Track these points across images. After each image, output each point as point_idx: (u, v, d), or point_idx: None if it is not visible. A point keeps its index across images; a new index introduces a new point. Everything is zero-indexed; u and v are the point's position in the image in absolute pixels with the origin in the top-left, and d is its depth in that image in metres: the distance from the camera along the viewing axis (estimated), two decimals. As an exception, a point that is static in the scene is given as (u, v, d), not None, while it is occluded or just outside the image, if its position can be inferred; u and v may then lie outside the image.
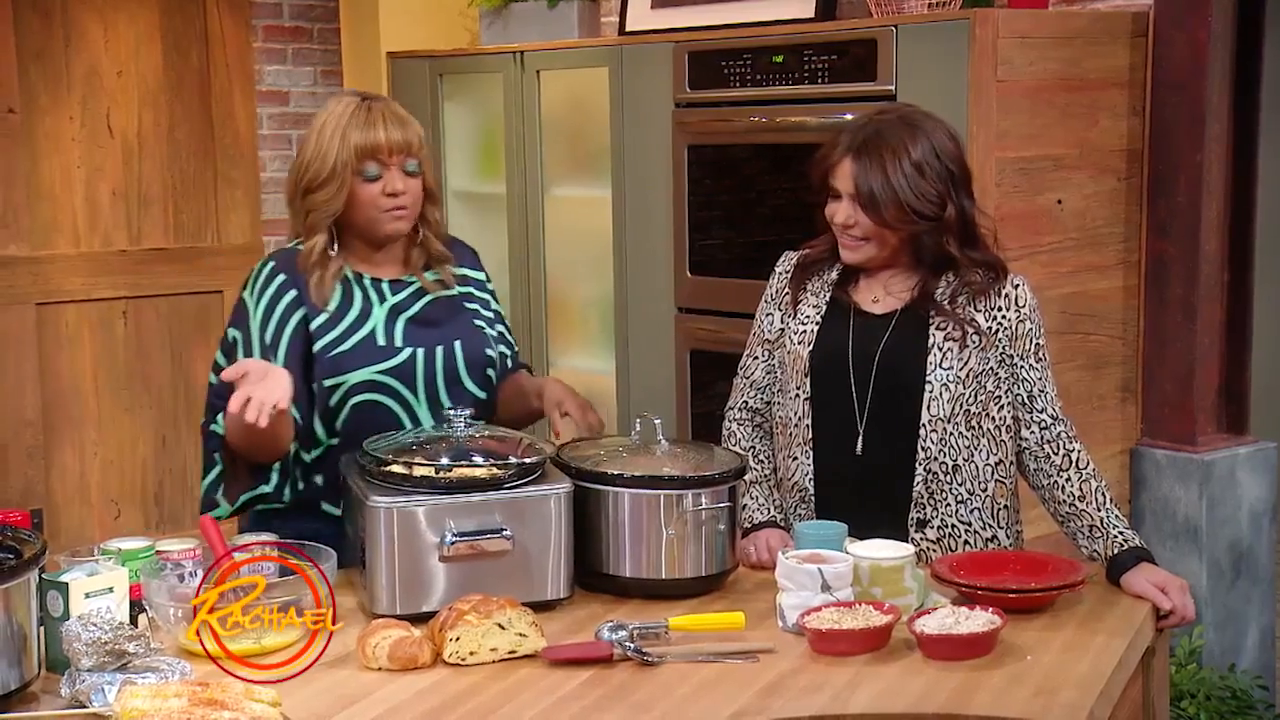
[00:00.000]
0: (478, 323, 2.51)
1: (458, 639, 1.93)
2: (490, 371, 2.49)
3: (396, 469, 2.14)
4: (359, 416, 2.37)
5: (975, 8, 3.12)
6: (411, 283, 2.48)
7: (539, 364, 4.14)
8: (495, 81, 4.14)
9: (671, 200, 3.67)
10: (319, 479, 2.41)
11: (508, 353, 2.57)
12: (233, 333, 2.43)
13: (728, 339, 3.45)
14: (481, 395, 2.48)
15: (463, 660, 1.93)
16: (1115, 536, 2.23)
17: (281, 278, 2.41)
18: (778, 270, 2.47)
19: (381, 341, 2.40)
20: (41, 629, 1.86)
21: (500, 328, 2.57)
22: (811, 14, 3.52)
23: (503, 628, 1.94)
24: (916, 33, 3.15)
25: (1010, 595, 2.08)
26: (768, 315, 2.45)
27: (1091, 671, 1.90)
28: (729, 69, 3.51)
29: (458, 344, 2.45)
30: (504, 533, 2.10)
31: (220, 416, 2.33)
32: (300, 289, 2.40)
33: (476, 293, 2.56)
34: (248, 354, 2.37)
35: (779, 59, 3.41)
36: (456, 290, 2.51)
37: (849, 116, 3.17)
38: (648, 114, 3.71)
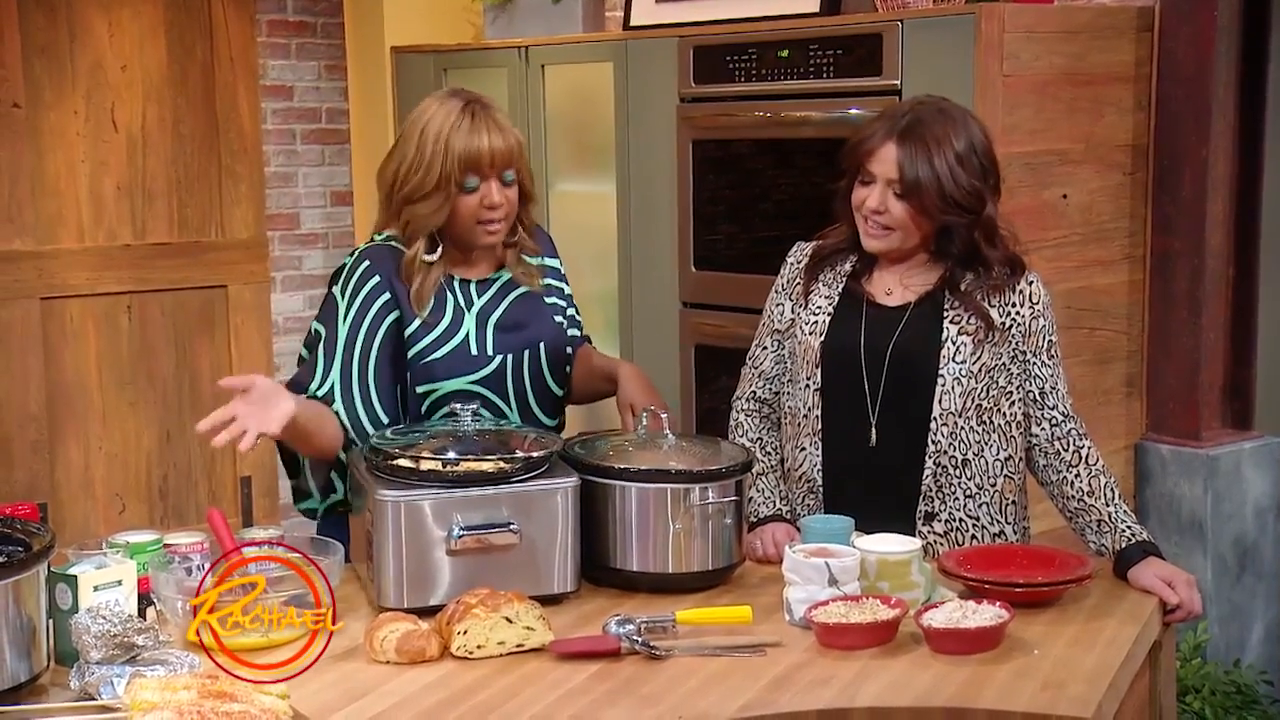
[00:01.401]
0: (558, 319, 2.51)
1: (465, 632, 1.93)
2: (567, 367, 2.50)
3: (404, 463, 2.14)
4: (449, 423, 2.29)
5: (981, 2, 3.12)
6: (497, 279, 2.45)
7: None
8: (499, 76, 4.14)
9: (676, 195, 3.67)
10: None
11: (578, 334, 2.56)
12: (317, 327, 2.40)
13: (732, 334, 3.45)
14: (560, 392, 2.50)
15: (470, 654, 1.93)
16: (1123, 531, 2.23)
17: (376, 278, 2.36)
18: (790, 260, 2.46)
19: (474, 351, 2.39)
20: (50, 622, 1.86)
21: (571, 310, 2.57)
22: (816, 8, 3.52)
23: (510, 621, 1.95)
24: (922, 27, 3.15)
25: (1017, 590, 2.08)
26: (778, 305, 2.45)
27: (1099, 665, 1.90)
28: (734, 64, 3.51)
29: (542, 345, 2.45)
30: (511, 527, 2.10)
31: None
32: (395, 292, 2.36)
33: (554, 283, 2.54)
34: (330, 351, 2.34)
35: (784, 54, 3.40)
36: (539, 284, 2.49)
37: (855, 111, 3.18)
38: (652, 109, 3.71)
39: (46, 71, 4.44)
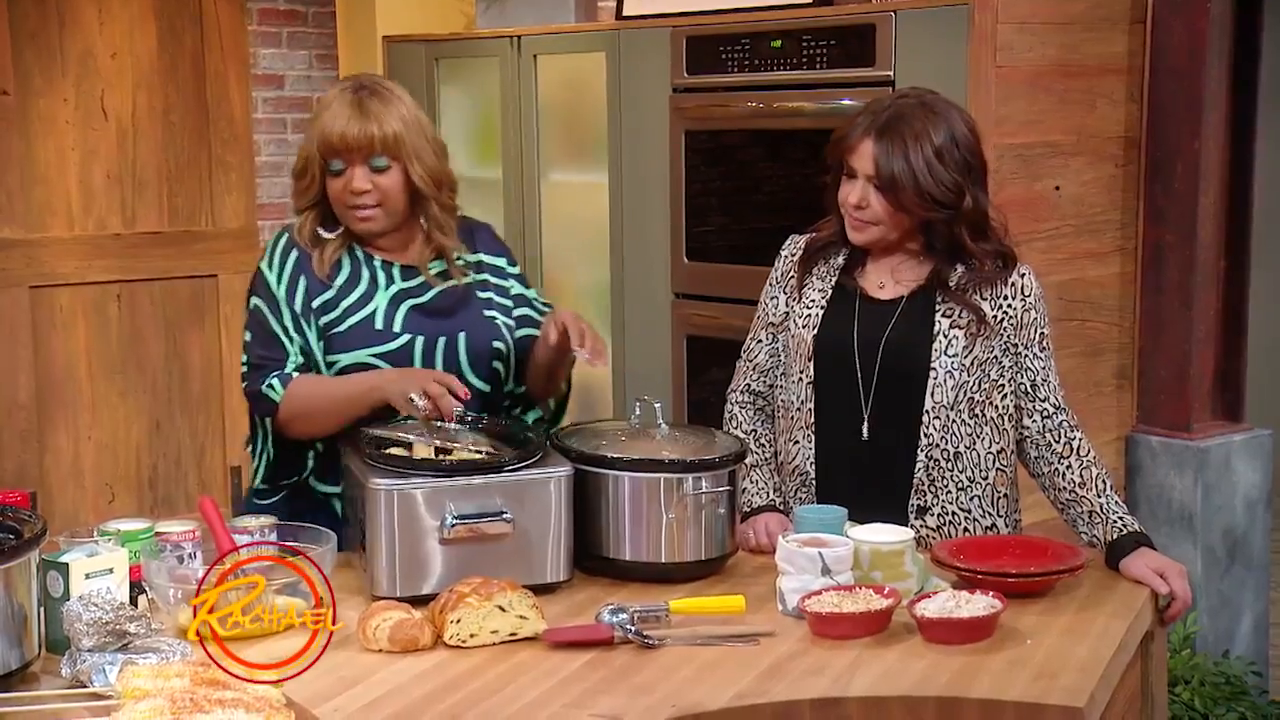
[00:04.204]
0: (489, 313, 2.45)
1: (458, 621, 1.93)
2: (498, 364, 2.43)
3: (397, 451, 2.14)
4: None
5: (974, -7, 3.12)
6: (431, 268, 2.44)
7: (535, 349, 4.14)
8: (492, 66, 4.14)
9: (668, 186, 3.67)
10: (310, 456, 2.39)
11: (533, 332, 2.47)
12: (255, 300, 2.39)
13: (724, 325, 3.45)
14: (486, 389, 2.42)
15: (463, 642, 1.93)
16: (1114, 522, 2.23)
17: (296, 253, 2.40)
18: (783, 253, 2.46)
19: (379, 325, 2.37)
20: (42, 610, 1.85)
21: (524, 310, 2.50)
22: (809, -1, 3.52)
23: (503, 610, 1.94)
24: (915, 18, 3.15)
25: (1010, 579, 2.08)
26: (772, 298, 2.45)
27: (1091, 656, 1.90)
28: (727, 54, 3.50)
29: (462, 336, 2.40)
30: (504, 516, 2.09)
31: (276, 379, 2.31)
32: (306, 264, 2.39)
33: (493, 279, 2.49)
34: (279, 322, 2.35)
35: (777, 44, 3.40)
36: (471, 278, 2.46)
37: (847, 102, 3.18)
38: (645, 99, 3.70)
39: (36, 59, 4.42)
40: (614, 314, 3.88)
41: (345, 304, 2.38)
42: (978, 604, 1.98)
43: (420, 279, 2.42)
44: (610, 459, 2.18)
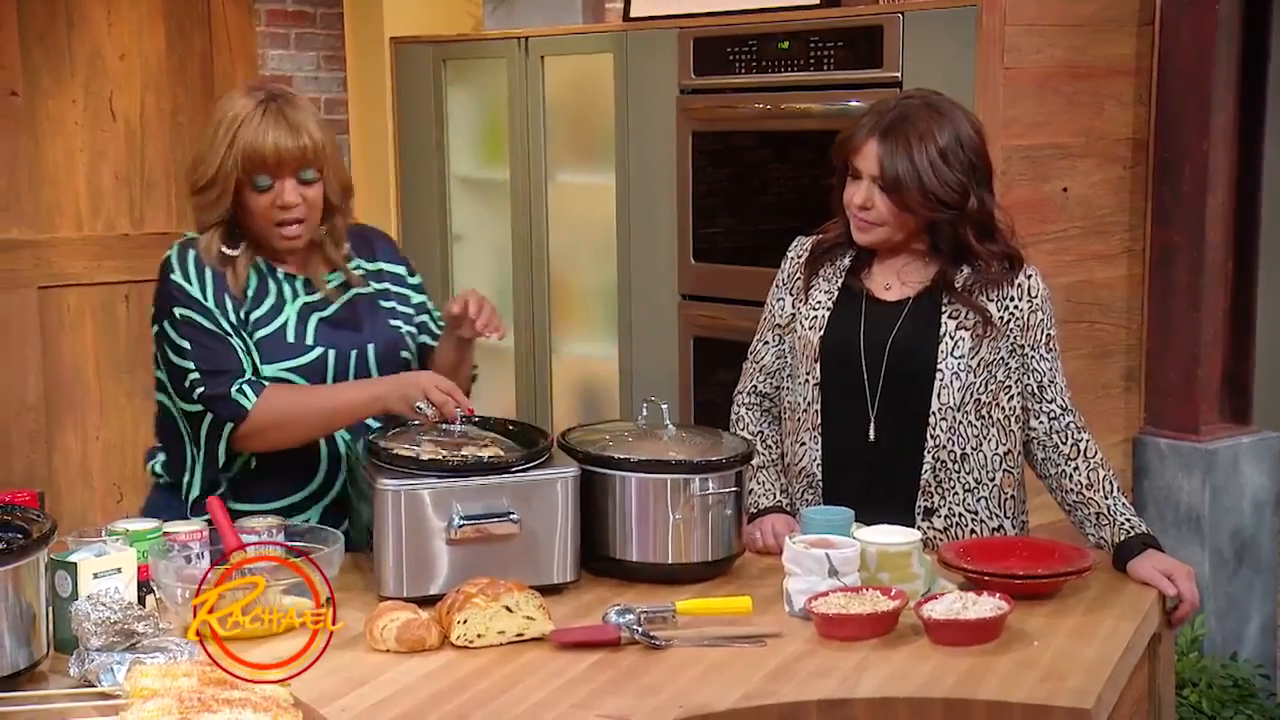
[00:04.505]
0: (394, 322, 2.42)
1: (465, 621, 1.93)
2: (410, 355, 2.41)
3: (405, 452, 2.14)
4: None
5: (982, -5, 3.12)
6: (330, 281, 2.38)
7: (541, 350, 4.14)
8: (499, 67, 4.14)
9: (675, 187, 3.67)
10: (224, 475, 2.32)
11: (431, 343, 2.46)
12: (180, 311, 2.28)
13: (731, 326, 3.45)
14: None
15: (470, 643, 1.93)
16: (1122, 524, 2.23)
17: (207, 268, 2.30)
18: (790, 255, 2.46)
19: (291, 338, 2.31)
20: (50, 609, 1.86)
21: (424, 318, 2.48)
22: (817, 0, 3.51)
23: (510, 610, 1.94)
24: (923, 19, 3.15)
25: (1017, 581, 2.08)
26: (779, 300, 2.45)
27: (1099, 657, 1.90)
28: (734, 55, 3.50)
29: (372, 348, 2.36)
30: (511, 516, 2.10)
31: (246, 385, 2.24)
32: (220, 278, 2.30)
33: (394, 288, 2.45)
34: (219, 327, 2.26)
35: (784, 45, 3.40)
36: (372, 287, 2.41)
37: (855, 104, 3.18)
38: (652, 100, 3.70)
39: (45, 59, 4.43)
40: (620, 315, 3.88)
41: (255, 317, 2.31)
42: (984, 605, 1.97)
43: (321, 293, 2.36)
44: (617, 460, 2.18)
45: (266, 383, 2.28)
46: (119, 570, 1.92)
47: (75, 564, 1.88)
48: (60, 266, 4.51)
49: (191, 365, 2.27)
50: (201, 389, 2.26)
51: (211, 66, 4.70)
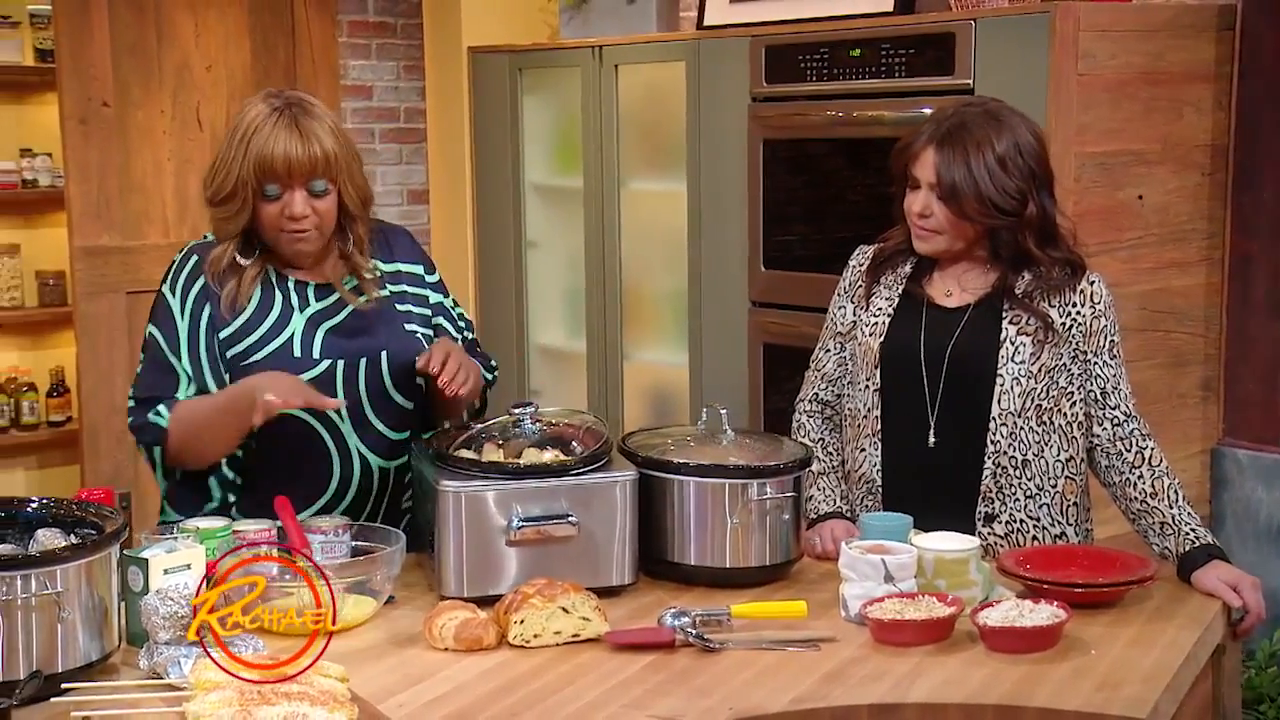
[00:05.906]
0: (410, 327, 2.36)
1: (522, 621, 1.96)
2: (421, 379, 2.33)
3: (466, 454, 2.18)
4: (275, 429, 2.21)
5: (1056, 1, 3.09)
6: (342, 284, 2.34)
7: (613, 357, 4.17)
8: (573, 76, 4.18)
9: (746, 194, 3.67)
10: (232, 496, 2.31)
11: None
12: (151, 329, 2.29)
13: (801, 333, 3.45)
14: (409, 406, 2.35)
15: (527, 642, 1.96)
16: (1187, 534, 2.20)
17: (201, 281, 2.28)
18: (851, 263, 2.47)
19: (298, 353, 2.27)
20: (122, 603, 1.92)
21: (440, 319, 2.42)
22: (890, 7, 3.51)
23: (567, 611, 1.97)
24: (996, 26, 3.13)
25: (1077, 590, 2.06)
26: (840, 308, 2.45)
27: (1157, 666, 1.88)
28: (806, 63, 3.50)
29: (384, 355, 2.31)
30: (570, 518, 2.12)
31: (163, 405, 2.24)
32: (209, 293, 2.27)
33: (411, 289, 2.40)
34: (174, 354, 2.26)
35: (856, 53, 3.40)
36: (387, 291, 2.36)
37: (927, 111, 3.16)
38: (724, 108, 3.71)
39: (135, 71, 4.55)
40: (691, 322, 3.89)
41: (259, 333, 2.27)
42: (1041, 613, 1.96)
43: (335, 297, 2.32)
44: (676, 464, 2.20)
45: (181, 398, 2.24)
46: (188, 566, 1.97)
47: (146, 560, 1.93)
48: (148, 272, 4.62)
49: (131, 390, 2.29)
50: (131, 418, 2.29)
51: (295, 76, 4.80)
